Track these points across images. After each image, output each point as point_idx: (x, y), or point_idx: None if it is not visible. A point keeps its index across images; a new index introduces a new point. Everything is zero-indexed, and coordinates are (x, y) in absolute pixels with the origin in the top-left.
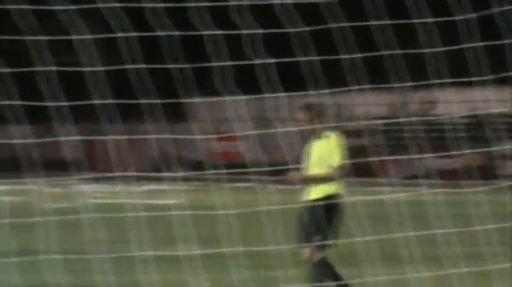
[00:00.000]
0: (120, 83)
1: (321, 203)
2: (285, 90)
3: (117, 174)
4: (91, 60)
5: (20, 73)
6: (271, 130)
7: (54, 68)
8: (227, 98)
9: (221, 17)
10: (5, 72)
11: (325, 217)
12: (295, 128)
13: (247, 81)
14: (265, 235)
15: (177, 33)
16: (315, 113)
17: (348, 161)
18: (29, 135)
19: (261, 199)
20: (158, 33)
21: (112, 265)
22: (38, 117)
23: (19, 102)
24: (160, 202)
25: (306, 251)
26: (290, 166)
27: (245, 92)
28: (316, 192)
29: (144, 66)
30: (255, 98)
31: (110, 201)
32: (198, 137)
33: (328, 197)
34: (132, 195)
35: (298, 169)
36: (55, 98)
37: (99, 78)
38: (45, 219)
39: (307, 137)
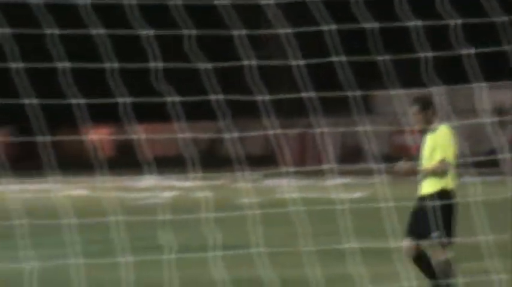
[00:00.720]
0: (323, 76)
1: (430, 198)
2: (486, 81)
3: (314, 167)
4: (285, 53)
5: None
6: (469, 121)
7: (254, 62)
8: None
9: (424, 8)
10: (209, 68)
11: (434, 213)
12: (495, 119)
13: (445, 72)
14: (473, 227)
15: (379, 25)
16: (425, 105)
17: (455, 154)
18: (227, 131)
19: (468, 191)
20: (362, 25)
21: (319, 258)
22: (239, 112)
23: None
24: (354, 195)
25: (407, 246)
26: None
27: (445, 83)
28: (426, 187)
29: (344, 59)
30: (451, 89)
31: (303, 195)
32: (387, 128)
33: (438, 193)
34: (321, 189)
35: (409, 161)
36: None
37: (302, 71)
38: (246, 213)
39: (423, 130)
